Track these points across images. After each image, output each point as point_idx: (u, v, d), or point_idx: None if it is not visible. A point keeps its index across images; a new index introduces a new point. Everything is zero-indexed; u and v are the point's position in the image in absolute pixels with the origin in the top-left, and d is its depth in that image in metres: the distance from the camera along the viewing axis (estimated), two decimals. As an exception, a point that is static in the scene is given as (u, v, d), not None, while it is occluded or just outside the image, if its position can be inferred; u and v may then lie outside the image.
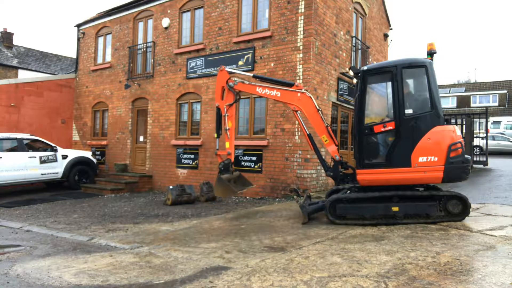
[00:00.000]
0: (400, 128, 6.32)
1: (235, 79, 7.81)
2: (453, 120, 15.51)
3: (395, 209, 6.31)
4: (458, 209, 6.24)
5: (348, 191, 6.98)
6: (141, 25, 14.47)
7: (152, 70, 13.75)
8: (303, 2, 10.14)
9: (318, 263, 4.43)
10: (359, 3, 12.80)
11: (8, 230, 7.66)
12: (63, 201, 11.43)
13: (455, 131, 6.31)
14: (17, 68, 26.36)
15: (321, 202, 7.12)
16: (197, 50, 12.38)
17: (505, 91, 35.16)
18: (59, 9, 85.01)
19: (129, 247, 5.85)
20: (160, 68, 13.51)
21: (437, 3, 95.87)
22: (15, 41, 28.27)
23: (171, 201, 9.97)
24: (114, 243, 6.20)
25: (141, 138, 14.34)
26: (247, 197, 10.70)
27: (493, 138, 22.32)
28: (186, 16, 12.98)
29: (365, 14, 13.32)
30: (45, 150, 12.86)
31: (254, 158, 10.74)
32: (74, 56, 19.32)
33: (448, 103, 36.35)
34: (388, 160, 6.41)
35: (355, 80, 7.38)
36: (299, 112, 7.46)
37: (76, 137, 16.78)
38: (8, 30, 27.25)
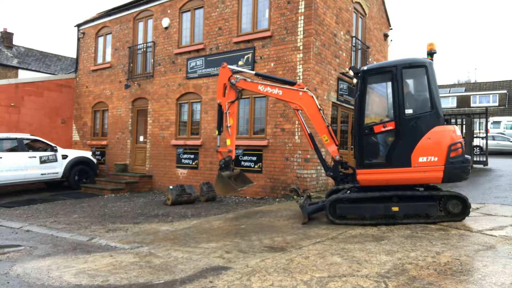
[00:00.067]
0: (400, 128, 6.32)
1: (237, 76, 7.80)
2: (453, 120, 15.52)
3: (395, 209, 6.30)
4: (458, 209, 6.23)
5: (348, 191, 6.97)
6: (141, 25, 14.47)
7: (152, 70, 13.75)
8: (303, 2, 10.14)
9: (318, 263, 4.43)
10: (359, 3, 12.80)
11: (8, 230, 7.66)
12: (63, 201, 11.43)
13: (455, 131, 6.30)
14: (17, 68, 26.37)
15: (321, 202, 7.11)
16: (197, 50, 12.38)
17: (505, 91, 35.16)
18: (59, 9, 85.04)
19: (129, 247, 5.85)
20: (160, 68, 13.51)
21: (437, 3, 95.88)
22: (15, 41, 28.32)
23: (171, 201, 9.97)
24: (114, 243, 6.20)
25: (141, 138, 14.35)
26: (247, 197, 10.70)
27: (493, 138, 22.32)
28: (186, 16, 12.98)
29: (365, 14, 13.32)
30: (45, 150, 12.86)
31: (254, 158, 10.74)
32: (74, 56, 19.34)
33: (448, 103, 36.35)
34: (388, 160, 6.41)
35: (355, 80, 7.38)
36: (300, 111, 7.45)
37: (76, 137, 16.78)
38: (8, 30, 27.28)
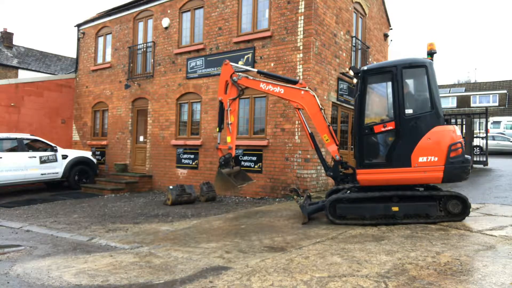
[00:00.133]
0: (400, 128, 6.32)
1: (239, 73, 7.80)
2: (453, 120, 15.52)
3: (395, 209, 6.30)
4: (458, 209, 6.23)
5: (348, 191, 6.97)
6: (141, 25, 14.47)
7: (152, 70, 13.75)
8: (303, 2, 10.14)
9: (318, 263, 4.43)
10: (359, 3, 12.80)
11: (8, 230, 7.66)
12: (63, 201, 11.43)
13: (455, 131, 6.30)
14: (17, 68, 26.37)
15: (321, 202, 7.11)
16: (197, 50, 12.38)
17: (505, 91, 35.16)
18: (59, 9, 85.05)
19: (129, 247, 5.85)
20: (160, 68, 13.52)
21: (437, 3, 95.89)
22: (15, 41, 28.31)
23: (171, 201, 9.97)
24: (114, 243, 6.20)
25: (141, 138, 14.35)
26: (247, 197, 10.70)
27: (493, 138, 22.32)
28: (186, 16, 12.98)
29: (365, 14, 13.32)
30: (45, 150, 12.86)
31: (254, 158, 10.74)
32: (74, 56, 19.34)
33: (448, 103, 36.35)
34: (388, 160, 6.41)
35: (355, 80, 7.37)
36: (301, 110, 7.44)
37: (76, 137, 16.78)
38: (8, 30, 27.27)
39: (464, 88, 38.79)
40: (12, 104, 15.23)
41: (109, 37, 15.66)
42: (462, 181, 6.58)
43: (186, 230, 6.93)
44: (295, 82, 7.51)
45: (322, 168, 7.87)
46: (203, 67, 12.19)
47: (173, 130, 12.99)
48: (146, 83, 13.94)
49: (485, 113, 15.28)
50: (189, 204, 10.10)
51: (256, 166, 10.69)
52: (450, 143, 6.11)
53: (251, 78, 7.75)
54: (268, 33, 10.68)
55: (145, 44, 14.16)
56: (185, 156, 12.56)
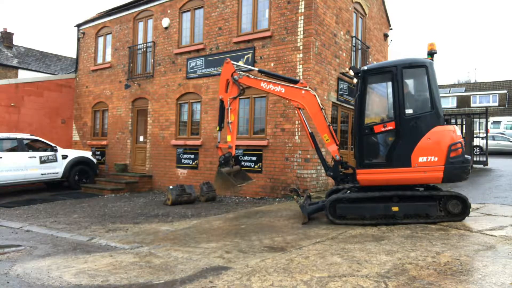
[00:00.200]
0: (400, 128, 6.32)
1: (240, 72, 7.79)
2: (453, 120, 15.52)
3: (395, 209, 6.30)
4: (458, 209, 6.23)
5: (348, 191, 6.97)
6: (141, 25, 14.47)
7: (152, 70, 13.75)
8: (303, 2, 10.14)
9: (318, 263, 4.43)
10: (359, 3, 12.80)
11: (8, 230, 7.66)
12: (63, 201, 11.43)
13: (455, 131, 6.30)
14: (17, 68, 26.37)
15: (321, 202, 7.11)
16: (197, 50, 12.38)
17: (505, 91, 35.17)
18: (59, 9, 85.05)
19: (129, 247, 5.85)
20: (160, 68, 13.52)
21: (437, 3, 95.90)
22: (15, 41, 28.31)
23: (171, 201, 9.97)
24: (114, 243, 6.20)
25: (141, 138, 14.35)
26: (247, 197, 10.70)
27: (493, 138, 22.32)
28: (186, 16, 12.98)
29: (365, 14, 13.32)
30: (45, 150, 12.86)
31: (254, 158, 10.74)
32: (74, 56, 19.34)
33: (448, 103, 36.35)
34: (388, 160, 6.41)
35: (355, 80, 7.38)
36: (302, 110, 7.44)
37: (76, 137, 16.78)
38: (8, 30, 27.27)
39: (464, 88, 38.79)
40: (12, 104, 15.23)
41: (109, 37, 15.66)
42: (462, 181, 6.57)
43: (186, 230, 6.93)
44: (296, 82, 7.51)
45: (322, 168, 7.87)
46: (203, 67, 12.18)
47: (173, 130, 13.00)
48: (146, 83, 13.94)
49: (485, 113, 15.28)
50: (189, 204, 10.10)
51: (256, 166, 10.69)
52: (450, 143, 6.11)
53: (252, 77, 7.74)
54: (268, 33, 10.68)
55: (145, 44, 14.16)
56: (185, 156, 12.56)
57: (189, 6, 12.83)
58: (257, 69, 8.17)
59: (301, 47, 10.13)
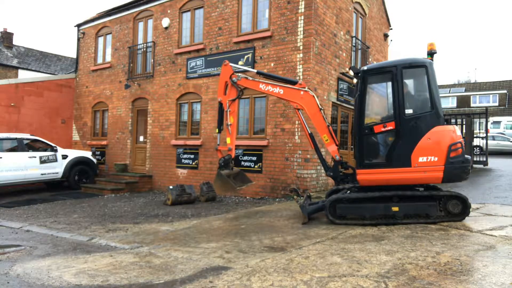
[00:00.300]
0: (400, 128, 6.32)
1: (239, 74, 7.80)
2: (453, 120, 15.52)
3: (395, 209, 6.30)
4: (458, 209, 6.23)
5: (348, 191, 6.97)
6: (141, 25, 14.47)
7: (152, 70, 13.75)
8: (303, 2, 10.14)
9: (318, 263, 4.43)
10: (359, 3, 12.80)
11: (8, 230, 7.66)
12: (63, 201, 11.43)
13: (455, 131, 6.30)
14: (17, 68, 26.37)
15: (321, 202, 7.11)
16: (197, 50, 12.38)
17: (505, 91, 35.16)
18: (59, 9, 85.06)
19: (129, 247, 5.85)
20: (160, 68, 13.52)
21: (437, 3, 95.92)
22: (15, 41, 28.31)
23: (171, 201, 9.97)
24: (114, 243, 6.20)
25: (141, 138, 14.35)
26: (247, 197, 10.70)
27: (493, 138, 22.31)
28: (186, 16, 12.98)
29: (365, 14, 13.32)
30: (45, 150, 12.86)
31: (254, 158, 10.74)
32: (74, 56, 19.34)
33: (448, 103, 36.35)
34: (388, 160, 6.41)
35: (355, 80, 7.38)
36: (301, 110, 7.44)
37: (76, 137, 16.79)
38: (8, 30, 27.27)
39: (464, 88, 38.79)
40: (12, 104, 15.23)
41: (109, 37, 15.66)
42: (462, 181, 6.58)
43: (186, 230, 6.93)
44: (294, 83, 7.51)
45: (322, 168, 7.87)
46: (203, 67, 12.19)
47: (173, 130, 13.00)
48: (146, 83, 13.94)
49: (485, 113, 15.28)
50: (189, 204, 10.10)
51: (256, 166, 10.69)
52: (450, 143, 6.11)
53: (251, 79, 7.75)
54: (268, 33, 10.68)
55: (145, 44, 14.16)
56: (185, 156, 12.56)
57: (189, 6, 12.83)
58: (255, 70, 8.17)
59: (301, 47, 10.13)
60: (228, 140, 7.70)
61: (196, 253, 5.29)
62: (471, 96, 36.62)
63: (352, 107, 11.10)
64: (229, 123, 7.65)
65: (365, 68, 6.79)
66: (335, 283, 3.78)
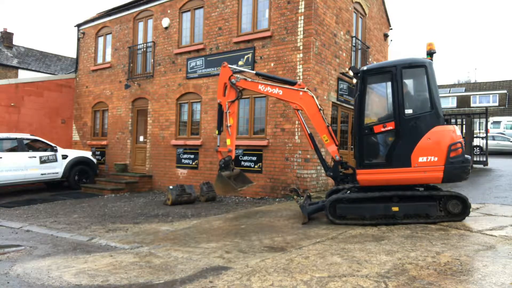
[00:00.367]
0: (400, 128, 6.32)
1: (238, 76, 7.80)
2: (453, 120, 15.52)
3: (395, 209, 6.30)
4: (458, 209, 6.23)
5: (348, 191, 6.97)
6: (141, 25, 14.47)
7: (152, 70, 13.75)
8: (303, 2, 10.14)
9: (318, 263, 4.43)
10: (359, 3, 12.80)
11: (8, 230, 7.66)
12: (63, 201, 11.43)
13: (455, 131, 6.30)
14: (17, 68, 26.37)
15: (321, 202, 7.12)
16: (197, 50, 12.38)
17: (505, 91, 35.16)
18: (59, 9, 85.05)
19: (129, 247, 5.85)
20: (160, 68, 13.52)
21: (437, 3, 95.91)
22: (15, 41, 28.31)
23: (171, 201, 9.97)
24: (114, 243, 6.20)
25: (141, 138, 14.35)
26: (247, 197, 10.70)
27: (493, 138, 22.31)
28: (186, 16, 12.98)
29: (365, 14, 13.32)
30: (45, 150, 12.86)
31: (254, 158, 10.74)
32: (74, 56, 19.34)
33: (448, 103, 36.34)
34: (388, 160, 6.41)
35: (355, 80, 7.38)
36: (300, 111, 7.45)
37: (76, 137, 16.79)
38: (8, 30, 27.27)
39: (464, 88, 38.79)
40: (12, 104, 15.23)
41: (109, 37, 15.66)
42: (462, 181, 6.58)
43: (186, 230, 6.93)
44: (293, 83, 7.51)
45: (322, 168, 7.87)
46: (203, 67, 12.19)
47: (173, 130, 13.00)
48: (146, 83, 13.94)
49: (485, 113, 15.28)
50: (189, 204, 10.10)
51: (256, 166, 10.69)
52: (450, 143, 6.11)
53: (250, 80, 7.75)
54: (268, 33, 10.68)
55: (145, 44, 14.16)
56: (185, 156, 12.56)
57: (189, 6, 12.83)
58: (254, 72, 8.17)
59: (301, 47, 10.13)
60: (228, 141, 7.71)
61: (196, 253, 5.29)
62: (471, 96, 36.62)
63: (352, 107, 11.09)
64: (228, 125, 7.66)
65: (365, 68, 6.79)
66: (335, 283, 3.78)
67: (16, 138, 12.37)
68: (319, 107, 7.23)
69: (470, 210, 6.32)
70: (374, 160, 6.62)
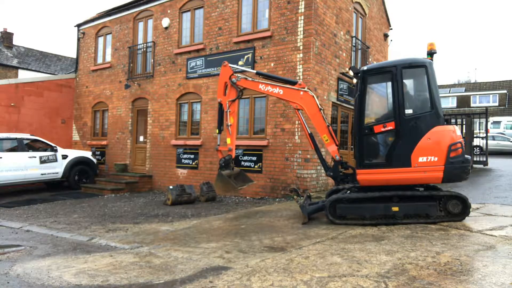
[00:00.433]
0: (400, 128, 6.32)
1: (238, 75, 7.81)
2: (453, 120, 15.52)
3: (395, 209, 6.30)
4: (458, 209, 6.23)
5: (348, 191, 6.97)
6: (141, 25, 14.47)
7: (152, 70, 13.75)
8: (303, 2, 10.14)
9: (318, 263, 4.43)
10: (359, 3, 12.80)
11: (8, 230, 7.66)
12: (63, 201, 11.43)
13: (455, 131, 6.30)
14: (17, 68, 26.37)
15: (321, 202, 7.11)
16: (197, 50, 12.38)
17: (505, 91, 35.16)
18: (59, 9, 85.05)
19: (129, 247, 5.85)
20: (160, 68, 13.52)
21: (437, 3, 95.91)
22: (15, 41, 28.31)
23: (171, 201, 9.97)
24: (114, 243, 6.20)
25: (141, 138, 14.35)
26: (247, 197, 10.70)
27: (493, 138, 22.31)
28: (186, 16, 12.98)
29: (365, 14, 13.32)
30: (45, 150, 12.86)
31: (254, 158, 10.74)
32: (74, 56, 19.34)
33: (448, 103, 36.34)
34: (388, 160, 6.41)
35: (355, 80, 7.38)
36: (301, 111, 7.45)
37: (76, 137, 16.79)
38: (8, 30, 27.27)
39: (464, 88, 38.79)
40: (12, 104, 15.23)
41: (109, 37, 15.66)
42: (462, 181, 6.58)
43: (186, 230, 6.93)
44: (294, 83, 7.51)
45: (322, 168, 7.87)
46: (203, 67, 12.19)
47: (173, 130, 13.00)
48: (146, 83, 13.94)
49: (485, 113, 15.28)
50: (189, 204, 10.10)
51: (256, 166, 10.69)
52: (450, 143, 6.11)
53: (250, 79, 7.75)
54: (268, 33, 10.68)
55: (145, 44, 14.16)
56: (185, 156, 12.56)
57: (189, 6, 12.83)
58: (254, 71, 8.17)
59: (301, 47, 10.13)
60: (228, 140, 7.71)
61: (196, 253, 5.29)
62: (471, 96, 36.62)
63: (352, 107, 11.10)
64: (229, 124, 7.66)
65: (365, 68, 6.79)
66: (335, 283, 3.78)
67: (16, 138, 12.37)
68: (320, 107, 7.23)
69: (470, 210, 6.32)
70: (374, 160, 6.62)
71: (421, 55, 6.98)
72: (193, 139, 12.42)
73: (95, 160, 14.33)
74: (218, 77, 8.22)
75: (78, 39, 16.88)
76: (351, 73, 7.20)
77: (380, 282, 3.75)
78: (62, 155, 13.19)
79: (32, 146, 12.82)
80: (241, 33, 11.44)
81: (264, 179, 10.52)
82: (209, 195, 10.44)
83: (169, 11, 13.32)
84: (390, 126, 6.40)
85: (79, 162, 13.68)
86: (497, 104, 35.04)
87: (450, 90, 38.12)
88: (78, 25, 16.87)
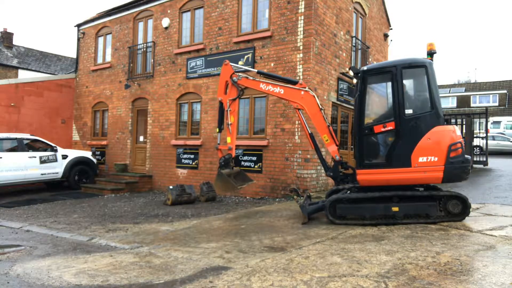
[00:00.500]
0: (400, 128, 6.32)
1: (239, 74, 7.80)
2: (453, 120, 15.52)
3: (395, 209, 6.30)
4: (458, 209, 6.24)
5: (348, 191, 6.97)
6: (141, 25, 14.47)
7: (152, 70, 13.76)
8: (303, 2, 10.14)
9: (318, 263, 4.43)
10: (359, 3, 12.80)
11: (8, 230, 7.66)
12: (63, 201, 11.43)
13: (455, 131, 6.30)
14: (17, 68, 26.37)
15: (321, 202, 7.11)
16: (197, 50, 12.38)
17: (505, 91, 35.17)
18: (59, 9, 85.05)
19: (129, 247, 5.85)
20: (160, 68, 13.52)
21: (437, 3, 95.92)
22: (15, 41, 28.31)
23: (171, 201, 9.97)
24: (114, 243, 6.20)
25: (141, 138, 14.35)
26: (247, 197, 10.70)
27: (493, 138, 22.31)
28: (186, 16, 12.98)
29: (365, 14, 13.32)
30: (45, 150, 12.86)
31: (254, 158, 10.74)
32: (74, 56, 19.34)
33: (448, 103, 36.35)
34: (388, 160, 6.41)
35: (355, 80, 7.38)
36: (301, 110, 7.45)
37: (76, 137, 16.79)
38: (8, 30, 27.27)
39: (464, 88, 38.79)
40: (12, 104, 15.23)
41: (109, 37, 15.66)
42: (462, 181, 6.58)
43: (186, 230, 6.93)
44: (295, 83, 7.51)
45: (322, 168, 7.87)
46: (203, 67, 12.19)
47: (173, 130, 13.00)
48: (146, 83, 13.94)
49: (485, 113, 15.28)
50: (189, 204, 10.11)
51: (256, 166, 10.69)
52: (450, 143, 6.11)
53: (251, 78, 7.75)
54: (268, 33, 10.68)
55: (145, 44, 14.16)
56: (185, 156, 12.56)
57: (189, 6, 12.83)
58: (255, 70, 8.17)
59: (301, 47, 10.13)
60: (228, 139, 7.70)
61: (196, 253, 5.29)
62: (471, 96, 36.63)
63: (352, 107, 11.10)
64: (229, 123, 7.65)
65: (365, 68, 6.79)
66: (335, 283, 3.78)
67: (16, 138, 12.37)
68: (320, 106, 7.24)
69: (470, 210, 6.32)
70: (374, 160, 6.62)
71: (421, 55, 6.98)
72: (193, 139, 12.42)
73: (95, 160, 14.33)
74: (218, 77, 8.22)
75: (78, 39, 16.88)
76: (351, 73, 7.20)
77: (380, 282, 3.75)
78: (62, 155, 13.19)
79: (32, 146, 12.82)
80: (241, 33, 11.44)
81: (264, 179, 10.52)
82: (209, 195, 10.44)
83: (169, 11, 13.32)
84: (390, 126, 6.40)
85: (79, 162, 13.68)
86: (497, 104, 35.05)
87: (450, 90, 38.13)
88: (78, 25, 16.87)
